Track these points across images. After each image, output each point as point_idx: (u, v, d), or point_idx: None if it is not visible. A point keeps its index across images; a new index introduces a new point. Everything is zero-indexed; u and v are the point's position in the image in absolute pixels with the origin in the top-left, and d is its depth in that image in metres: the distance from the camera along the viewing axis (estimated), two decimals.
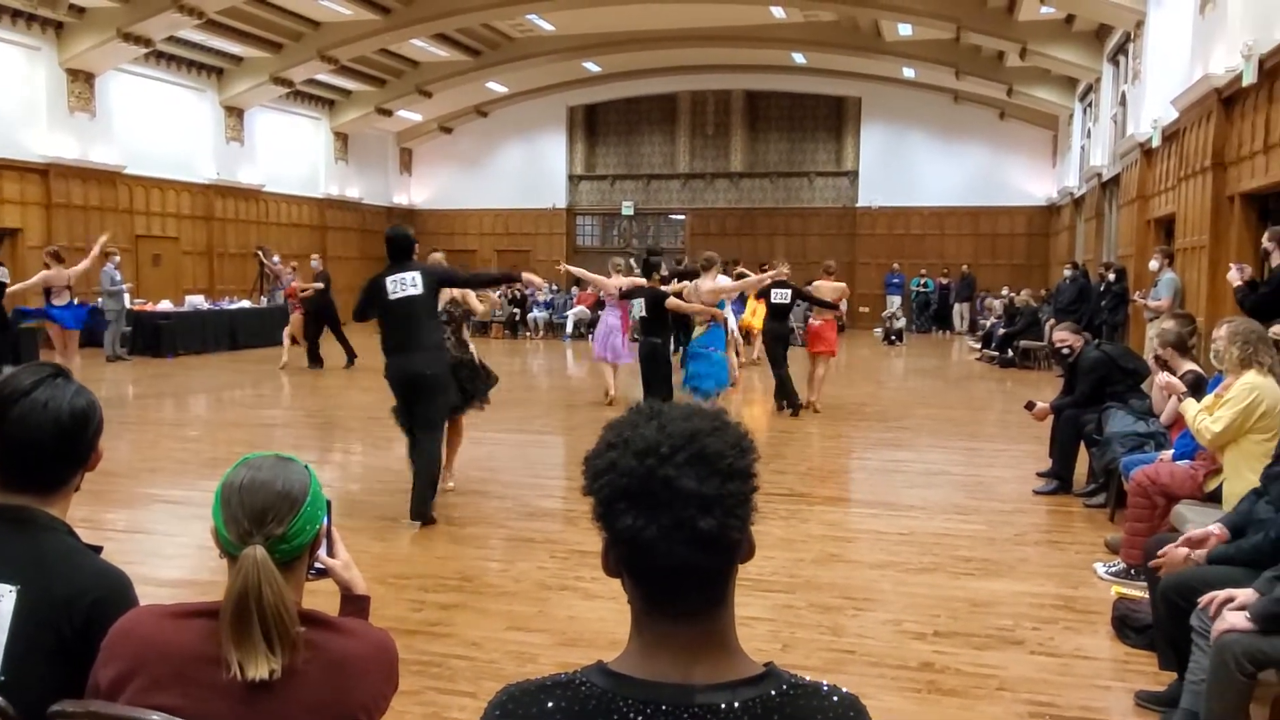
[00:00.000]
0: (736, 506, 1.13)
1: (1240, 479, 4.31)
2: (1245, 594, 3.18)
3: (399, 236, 6.15)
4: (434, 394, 6.10)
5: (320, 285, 15.29)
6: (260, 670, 1.55)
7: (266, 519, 1.63)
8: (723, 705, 1.13)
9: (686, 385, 8.98)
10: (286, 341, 15.08)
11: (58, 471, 1.88)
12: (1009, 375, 15.49)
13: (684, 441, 1.12)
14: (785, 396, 10.93)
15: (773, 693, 1.15)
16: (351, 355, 14.99)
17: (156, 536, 6.06)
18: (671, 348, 10.09)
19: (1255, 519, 3.65)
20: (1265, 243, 7.75)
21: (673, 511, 1.10)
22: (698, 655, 1.15)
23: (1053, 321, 15.88)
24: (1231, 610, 3.08)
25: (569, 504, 6.77)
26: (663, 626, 1.16)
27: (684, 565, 1.11)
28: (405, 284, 5.94)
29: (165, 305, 17.77)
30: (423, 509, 6.07)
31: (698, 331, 9.26)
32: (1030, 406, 7.32)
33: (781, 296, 10.91)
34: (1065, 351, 7.31)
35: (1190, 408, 4.81)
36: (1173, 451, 5.48)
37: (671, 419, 1.16)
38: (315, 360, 15.00)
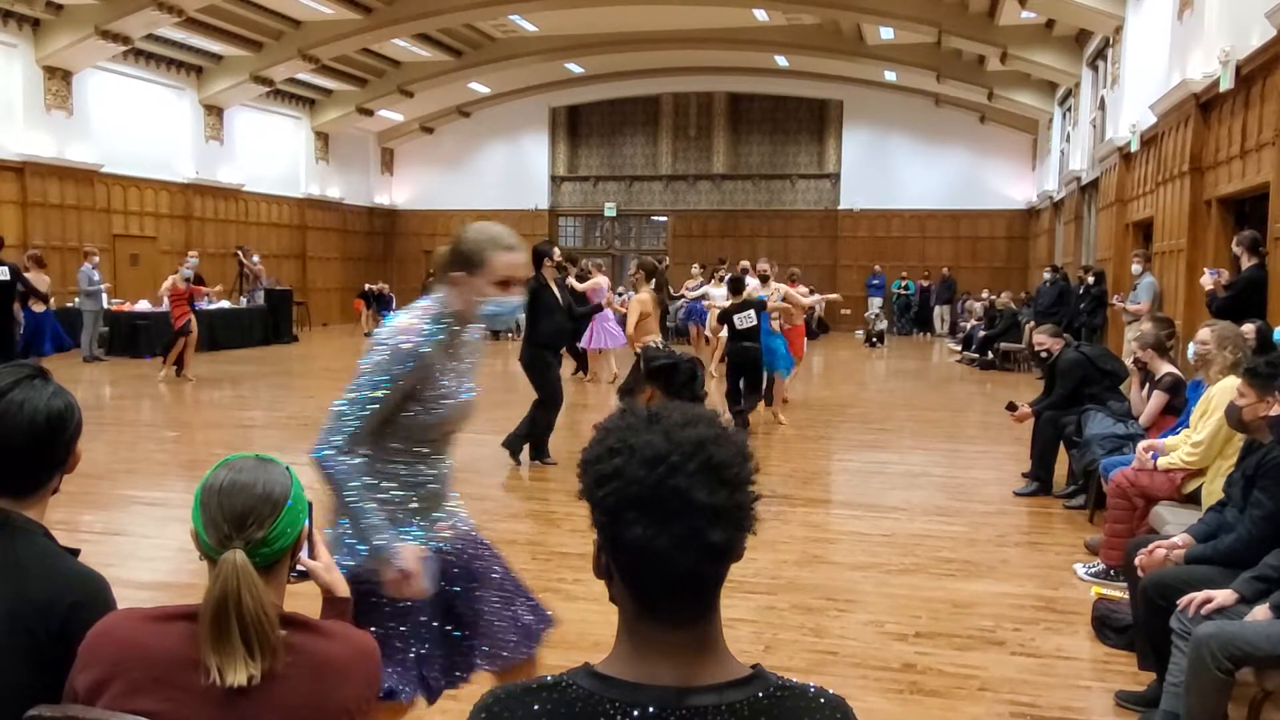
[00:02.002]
0: (744, 517, 1.13)
1: (1221, 479, 4.34)
2: (1224, 595, 3.21)
3: (534, 250, 7.70)
4: (527, 372, 7.88)
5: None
6: (239, 676, 1.53)
7: (247, 522, 1.61)
8: (710, 707, 1.12)
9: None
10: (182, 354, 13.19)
11: (33, 474, 1.85)
12: (989, 377, 15.57)
13: (693, 450, 1.11)
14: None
15: (760, 695, 1.15)
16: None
17: (134, 539, 6.00)
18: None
19: (1225, 523, 3.70)
20: (1234, 247, 7.83)
21: (685, 522, 1.09)
22: (687, 658, 1.15)
23: (1032, 324, 15.98)
24: (1213, 607, 3.12)
25: (550, 505, 6.75)
26: (655, 631, 1.15)
27: (690, 575, 1.11)
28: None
29: (143, 305, 17.60)
30: (510, 444, 7.86)
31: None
32: (1012, 408, 7.37)
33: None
34: (1043, 355, 7.35)
35: (1172, 459, 4.88)
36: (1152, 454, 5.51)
37: (674, 425, 1.14)
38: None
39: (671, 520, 1.09)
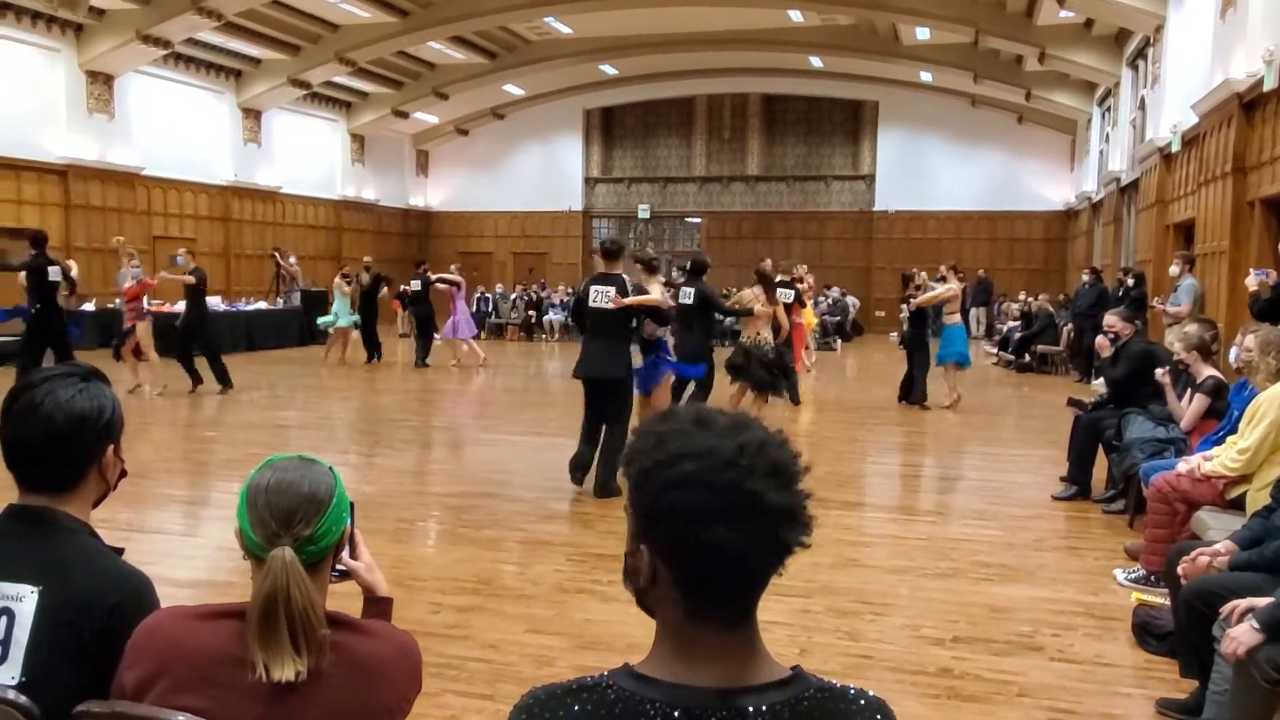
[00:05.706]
0: (806, 515, 1.17)
1: (1268, 486, 4.27)
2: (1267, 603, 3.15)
3: (696, 262, 9.32)
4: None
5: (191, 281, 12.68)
6: (286, 672, 1.55)
7: (294, 520, 1.62)
8: (750, 709, 1.12)
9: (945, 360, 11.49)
10: (131, 359, 12.26)
11: (53, 472, 1.84)
12: (1026, 380, 15.42)
13: (758, 452, 1.14)
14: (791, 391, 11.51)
15: (800, 696, 1.15)
16: (226, 382, 12.36)
17: (173, 537, 6.08)
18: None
19: (1273, 528, 3.63)
20: None
21: (761, 523, 1.12)
22: (728, 659, 1.15)
23: (1069, 326, 15.78)
24: (1237, 625, 3.05)
25: (584, 507, 6.76)
26: (705, 634, 1.15)
27: (761, 574, 1.15)
28: (685, 295, 8.80)
29: (182, 306, 17.79)
30: None
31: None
32: (1077, 404, 7.23)
33: (785, 296, 11.51)
34: (1111, 336, 7.15)
35: (1215, 465, 4.79)
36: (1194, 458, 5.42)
37: (730, 428, 1.16)
38: (195, 376, 12.45)
39: (748, 522, 1.12)
